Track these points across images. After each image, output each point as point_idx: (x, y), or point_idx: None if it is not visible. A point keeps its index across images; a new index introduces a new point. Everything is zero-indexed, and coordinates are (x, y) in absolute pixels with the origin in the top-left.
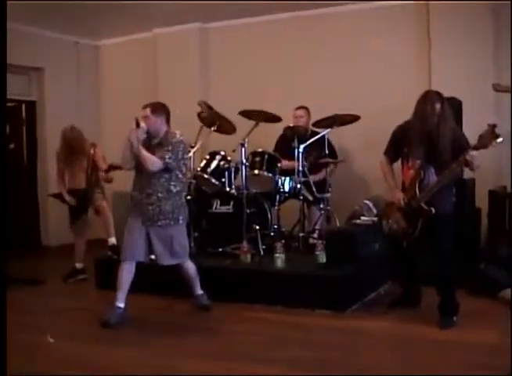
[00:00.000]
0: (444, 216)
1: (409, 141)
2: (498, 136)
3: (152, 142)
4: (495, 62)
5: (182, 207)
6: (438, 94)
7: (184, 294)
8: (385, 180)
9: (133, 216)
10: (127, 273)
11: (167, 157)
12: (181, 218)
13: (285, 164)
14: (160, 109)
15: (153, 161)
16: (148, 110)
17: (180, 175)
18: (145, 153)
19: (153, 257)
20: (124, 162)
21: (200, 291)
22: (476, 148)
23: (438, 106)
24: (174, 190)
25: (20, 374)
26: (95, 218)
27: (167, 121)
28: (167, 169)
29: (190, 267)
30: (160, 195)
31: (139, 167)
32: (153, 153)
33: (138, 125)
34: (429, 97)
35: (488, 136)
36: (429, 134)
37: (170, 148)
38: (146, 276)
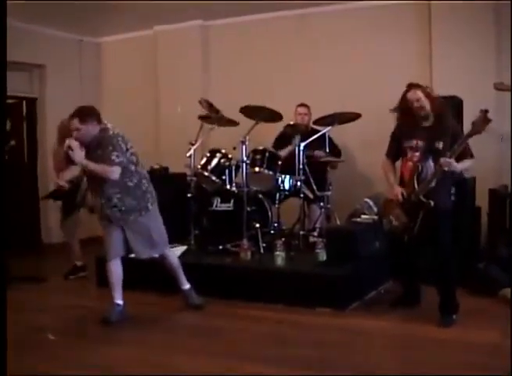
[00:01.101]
0: (443, 212)
1: (406, 133)
2: (489, 121)
3: (91, 146)
4: (496, 61)
5: (147, 193)
6: (413, 84)
7: None
8: (386, 178)
9: (103, 220)
10: (116, 271)
11: (114, 157)
12: (149, 204)
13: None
14: (88, 115)
15: (110, 171)
16: (76, 122)
17: (132, 168)
18: (98, 168)
19: (133, 255)
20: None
21: (186, 285)
22: (469, 135)
23: (414, 92)
24: (132, 184)
25: (20, 374)
26: (92, 216)
27: (99, 121)
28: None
29: (172, 258)
30: (119, 195)
31: (90, 174)
32: (96, 156)
33: (71, 148)
34: (406, 91)
35: (481, 122)
36: (424, 127)
37: (111, 147)
38: (143, 273)
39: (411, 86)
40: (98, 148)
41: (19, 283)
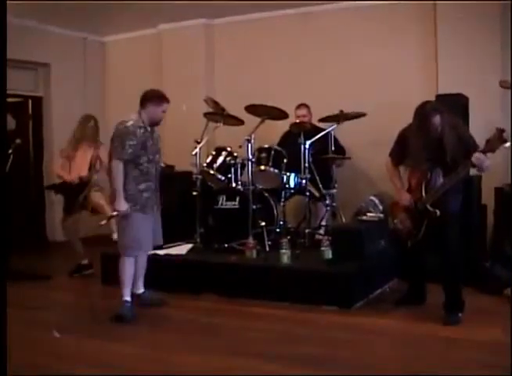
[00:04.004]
0: (451, 216)
1: (411, 152)
2: (505, 141)
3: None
4: (502, 58)
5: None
6: (435, 107)
7: (190, 289)
8: (391, 181)
9: (146, 212)
10: (132, 267)
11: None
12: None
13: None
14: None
15: None
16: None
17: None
18: None
19: None
20: None
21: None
22: (483, 152)
23: (437, 118)
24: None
25: (25, 371)
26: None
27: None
28: None
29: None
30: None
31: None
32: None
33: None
34: (426, 113)
35: (496, 141)
36: (434, 141)
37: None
38: (151, 271)
39: (437, 111)
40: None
41: (24, 281)
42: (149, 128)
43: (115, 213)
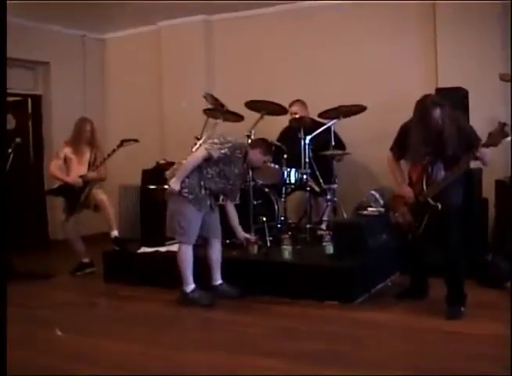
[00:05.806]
0: (453, 209)
1: (411, 146)
2: (507, 135)
3: None
4: (502, 52)
5: None
6: (435, 101)
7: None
8: (392, 175)
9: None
10: (191, 255)
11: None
12: None
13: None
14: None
15: None
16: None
17: None
18: None
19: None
20: None
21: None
22: (485, 146)
23: (437, 112)
24: None
25: (21, 374)
26: (97, 214)
27: None
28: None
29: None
30: None
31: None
32: None
33: None
34: (426, 107)
35: (498, 135)
36: (434, 135)
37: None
38: (156, 270)
39: (437, 105)
40: None
41: (26, 280)
42: (246, 164)
43: (166, 186)
